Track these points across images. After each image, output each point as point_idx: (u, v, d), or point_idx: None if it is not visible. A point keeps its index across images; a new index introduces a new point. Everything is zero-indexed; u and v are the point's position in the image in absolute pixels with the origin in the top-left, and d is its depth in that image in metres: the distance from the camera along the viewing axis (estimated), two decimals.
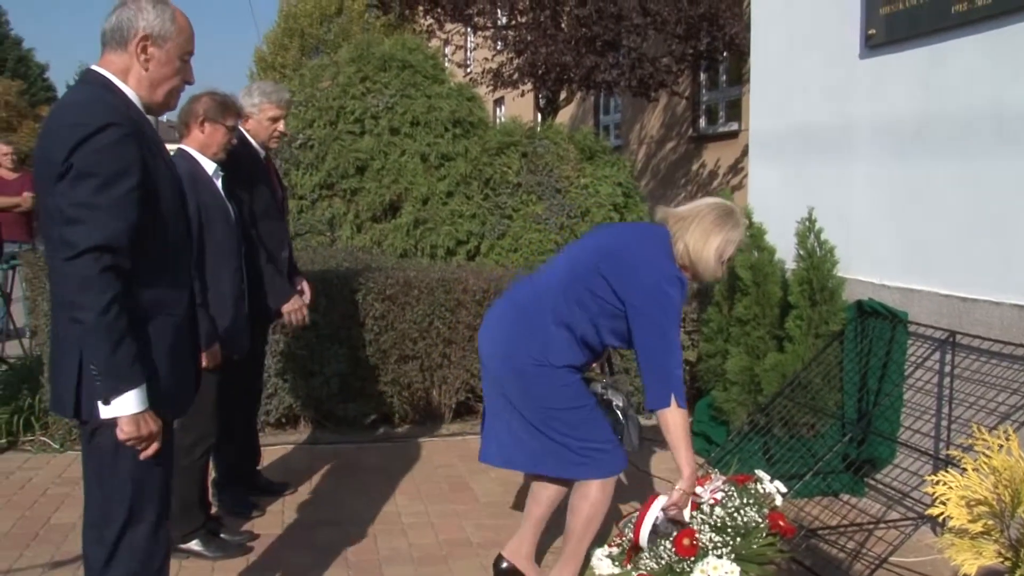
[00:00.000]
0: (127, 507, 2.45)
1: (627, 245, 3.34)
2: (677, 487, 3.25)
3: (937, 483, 2.67)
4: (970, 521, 2.57)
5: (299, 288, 4.57)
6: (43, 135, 2.40)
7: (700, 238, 3.28)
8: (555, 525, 3.70)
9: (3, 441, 5.39)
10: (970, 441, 2.86)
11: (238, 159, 4.07)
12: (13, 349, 7.44)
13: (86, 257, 2.23)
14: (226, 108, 3.90)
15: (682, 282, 3.26)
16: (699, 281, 3.49)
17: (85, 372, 2.34)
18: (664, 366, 3.19)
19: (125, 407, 2.30)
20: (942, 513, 2.63)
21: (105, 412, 2.31)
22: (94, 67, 2.50)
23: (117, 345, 2.26)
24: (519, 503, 4.57)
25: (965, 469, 2.66)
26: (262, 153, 4.37)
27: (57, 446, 5.32)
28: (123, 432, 2.33)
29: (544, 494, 3.63)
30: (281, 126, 4.36)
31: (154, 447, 2.40)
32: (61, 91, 44.81)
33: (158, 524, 2.55)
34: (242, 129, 4.22)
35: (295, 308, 4.33)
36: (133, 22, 2.45)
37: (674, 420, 3.18)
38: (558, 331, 3.31)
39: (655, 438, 5.66)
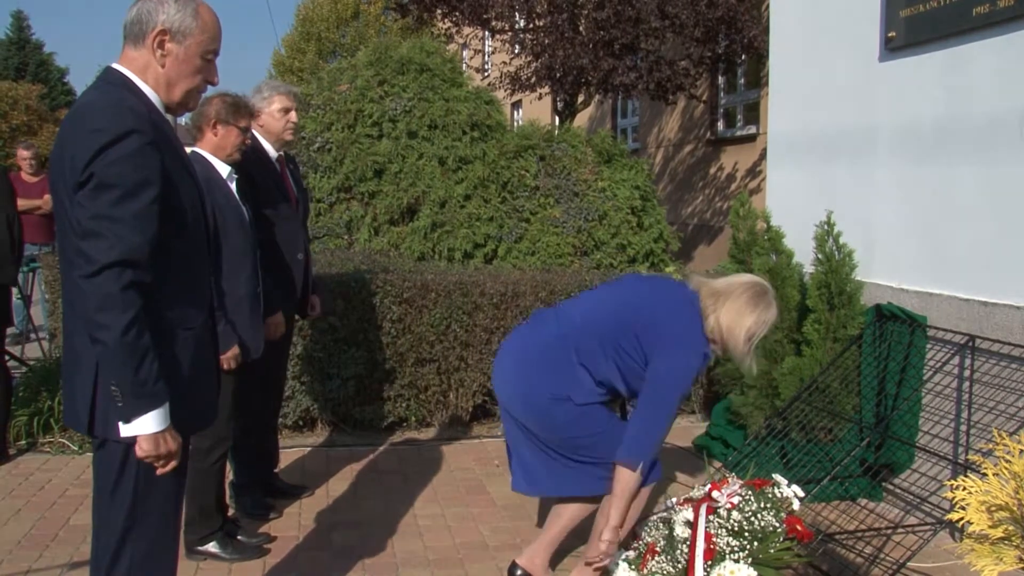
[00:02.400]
0: (129, 517, 2.38)
1: (664, 313, 3.32)
2: (603, 536, 3.28)
3: (957, 488, 2.65)
4: (990, 527, 2.55)
5: (310, 306, 4.63)
6: (62, 138, 2.30)
7: (733, 318, 3.26)
8: (575, 531, 3.69)
9: (22, 443, 5.43)
10: (990, 446, 2.84)
11: (248, 161, 4.07)
12: (33, 351, 7.50)
13: (107, 273, 2.14)
14: (238, 109, 3.89)
15: (706, 356, 3.28)
16: (727, 356, 3.45)
17: (100, 389, 2.27)
18: (653, 436, 3.24)
19: (146, 426, 2.22)
20: (962, 518, 2.61)
21: (125, 431, 2.23)
22: (114, 65, 2.40)
23: (139, 365, 2.18)
24: (535, 506, 4.57)
25: (985, 474, 2.64)
26: (274, 154, 4.36)
27: (76, 448, 5.35)
28: (142, 451, 2.25)
29: (567, 512, 3.62)
30: (294, 116, 4.32)
31: (172, 464, 2.33)
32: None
33: (165, 535, 2.48)
34: (254, 131, 4.23)
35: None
36: (152, 15, 2.34)
37: (629, 479, 3.25)
38: (581, 372, 3.31)
39: (669, 441, 5.65)
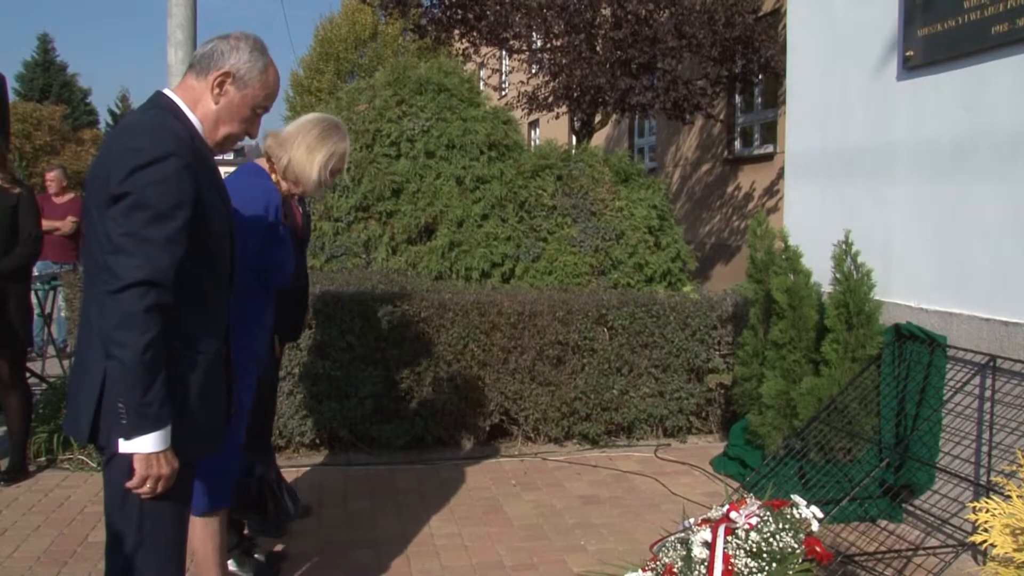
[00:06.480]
0: (139, 532, 2.38)
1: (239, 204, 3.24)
2: None
3: (980, 510, 2.62)
4: (1015, 550, 2.52)
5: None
6: (102, 154, 2.36)
7: (303, 154, 3.38)
8: None
9: (42, 459, 5.45)
10: (1013, 467, 2.82)
11: None
12: (53, 368, 7.55)
13: (131, 292, 2.18)
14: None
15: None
16: (306, 194, 3.58)
17: (105, 401, 2.30)
18: None
19: (143, 446, 2.24)
20: (985, 541, 2.58)
21: (124, 447, 2.26)
22: (165, 91, 2.50)
23: (150, 386, 2.20)
24: (553, 526, 4.55)
25: (1009, 496, 2.61)
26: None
27: (95, 465, 5.37)
28: (134, 471, 2.28)
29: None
30: None
31: (161, 487, 2.31)
32: (102, 115, 45.60)
33: (175, 551, 2.48)
34: None
35: None
36: (224, 56, 2.49)
37: None
38: None
39: (686, 461, 5.62)
